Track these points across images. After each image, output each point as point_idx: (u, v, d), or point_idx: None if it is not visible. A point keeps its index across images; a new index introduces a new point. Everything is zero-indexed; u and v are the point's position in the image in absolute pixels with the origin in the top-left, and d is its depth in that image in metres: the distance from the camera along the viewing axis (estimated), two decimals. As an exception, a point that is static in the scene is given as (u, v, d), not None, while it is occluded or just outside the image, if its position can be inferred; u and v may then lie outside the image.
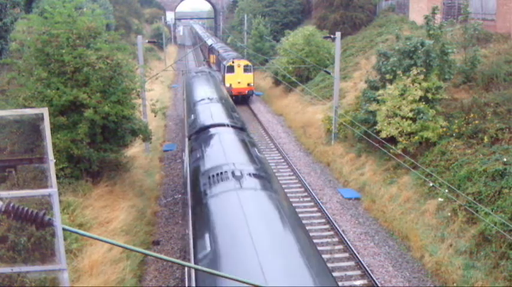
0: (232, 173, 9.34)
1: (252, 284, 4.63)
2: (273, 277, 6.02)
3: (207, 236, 7.47)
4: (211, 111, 15.93)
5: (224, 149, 11.55)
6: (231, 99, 20.94)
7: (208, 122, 14.41)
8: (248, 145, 12.47)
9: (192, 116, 16.39)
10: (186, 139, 14.57)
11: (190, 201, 9.62)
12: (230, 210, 8.07)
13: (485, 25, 23.32)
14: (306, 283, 6.08)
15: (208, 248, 7.07)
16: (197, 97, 19.02)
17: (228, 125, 14.03)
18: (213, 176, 9.59)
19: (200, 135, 13.44)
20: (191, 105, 18.22)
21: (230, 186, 8.87)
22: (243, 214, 7.64)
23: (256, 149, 12.50)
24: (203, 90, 20.25)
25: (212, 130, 13.48)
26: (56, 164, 10.64)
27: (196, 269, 6.81)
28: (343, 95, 27.29)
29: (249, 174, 9.33)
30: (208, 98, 18.09)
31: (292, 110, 32.28)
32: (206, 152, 11.77)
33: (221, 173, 9.56)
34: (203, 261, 6.93)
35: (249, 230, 7.09)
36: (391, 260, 14.52)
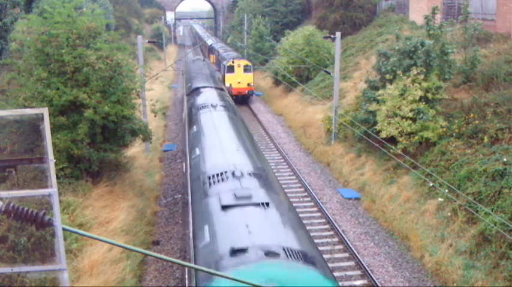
0: (211, 105, 17.45)
1: (251, 284, 4.63)
2: (222, 134, 13.69)
3: (195, 126, 15.52)
4: (201, 80, 24.76)
5: (207, 97, 19.43)
6: (215, 75, 30.13)
7: (199, 85, 22.75)
8: (222, 95, 21.07)
9: (189, 83, 25.13)
10: (185, 96, 23.46)
11: (187, 119, 18.11)
12: (207, 117, 15.97)
13: (485, 25, 23.32)
14: (236, 134, 13.98)
15: (195, 129, 15.08)
16: (193, 73, 28.34)
17: (211, 87, 22.44)
18: (200, 107, 17.66)
19: (194, 92, 21.70)
20: (189, 77, 27.48)
21: (209, 109, 16.97)
22: (212, 118, 15.64)
23: (227, 97, 21.67)
24: (197, 68, 29.89)
25: (201, 89, 21.71)
26: (56, 164, 10.65)
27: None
28: (343, 95, 27.29)
29: (219, 105, 17.54)
30: (200, 73, 27.36)
31: (292, 110, 32.29)
32: (196, 99, 19.76)
33: (204, 105, 17.67)
34: (192, 134, 14.95)
35: (214, 124, 14.89)
36: (391, 260, 14.52)
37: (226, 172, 10.17)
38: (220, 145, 12.58)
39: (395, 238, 15.73)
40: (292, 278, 6.54)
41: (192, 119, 16.88)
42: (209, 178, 10.22)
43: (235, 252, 7.02)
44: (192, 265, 7.14)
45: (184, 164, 15.14)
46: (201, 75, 26.36)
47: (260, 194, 9.07)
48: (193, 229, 8.77)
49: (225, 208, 8.56)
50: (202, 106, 17.55)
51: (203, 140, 13.60)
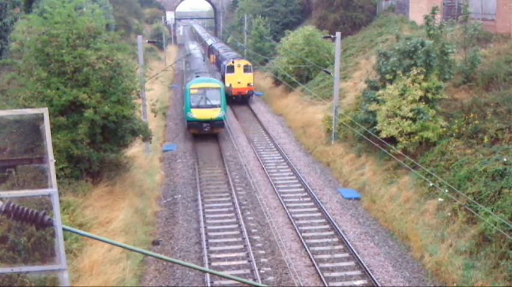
0: (195, 55, 44.77)
1: (248, 283, 4.64)
2: (197, 60, 40.92)
3: (187, 63, 40.89)
4: (192, 50, 50.26)
5: (194, 55, 44.47)
6: (201, 50, 51.60)
7: (191, 52, 47.12)
8: (200, 54, 45.84)
9: (187, 52, 50.80)
10: (184, 57, 46.65)
11: (184, 62, 43.50)
12: (192, 58, 42.68)
13: (485, 25, 23.32)
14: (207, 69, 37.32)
15: (188, 65, 39.86)
16: (191, 47, 54.08)
17: (201, 52, 47.83)
18: (190, 55, 45.48)
19: (188, 54, 47.10)
20: (187, 49, 54.03)
21: (194, 56, 44.34)
22: (195, 58, 42.74)
23: (203, 56, 45.40)
24: (192, 47, 53.12)
25: (192, 53, 45.97)
26: (56, 164, 10.63)
27: None
28: (343, 95, 27.29)
29: (197, 54, 45.40)
30: (194, 49, 50.24)
31: (292, 110, 32.29)
32: (190, 56, 44.87)
33: (192, 60, 41.76)
34: (186, 63, 41.93)
35: (196, 58, 42.12)
36: (391, 260, 14.52)
37: (198, 69, 33.85)
38: (196, 64, 36.67)
39: (395, 238, 15.73)
40: (211, 80, 29.40)
41: (187, 60, 41.14)
42: (193, 69, 34.18)
43: (197, 75, 30.63)
44: (193, 265, 7.15)
45: (183, 71, 40.45)
46: (193, 48, 50.61)
47: (209, 72, 33.55)
48: (184, 79, 35.36)
49: (196, 76, 30.52)
50: (191, 56, 41.66)
51: (191, 63, 38.06)
